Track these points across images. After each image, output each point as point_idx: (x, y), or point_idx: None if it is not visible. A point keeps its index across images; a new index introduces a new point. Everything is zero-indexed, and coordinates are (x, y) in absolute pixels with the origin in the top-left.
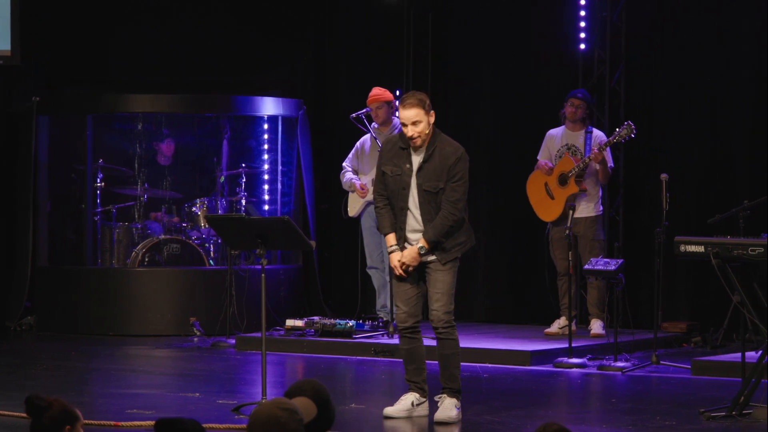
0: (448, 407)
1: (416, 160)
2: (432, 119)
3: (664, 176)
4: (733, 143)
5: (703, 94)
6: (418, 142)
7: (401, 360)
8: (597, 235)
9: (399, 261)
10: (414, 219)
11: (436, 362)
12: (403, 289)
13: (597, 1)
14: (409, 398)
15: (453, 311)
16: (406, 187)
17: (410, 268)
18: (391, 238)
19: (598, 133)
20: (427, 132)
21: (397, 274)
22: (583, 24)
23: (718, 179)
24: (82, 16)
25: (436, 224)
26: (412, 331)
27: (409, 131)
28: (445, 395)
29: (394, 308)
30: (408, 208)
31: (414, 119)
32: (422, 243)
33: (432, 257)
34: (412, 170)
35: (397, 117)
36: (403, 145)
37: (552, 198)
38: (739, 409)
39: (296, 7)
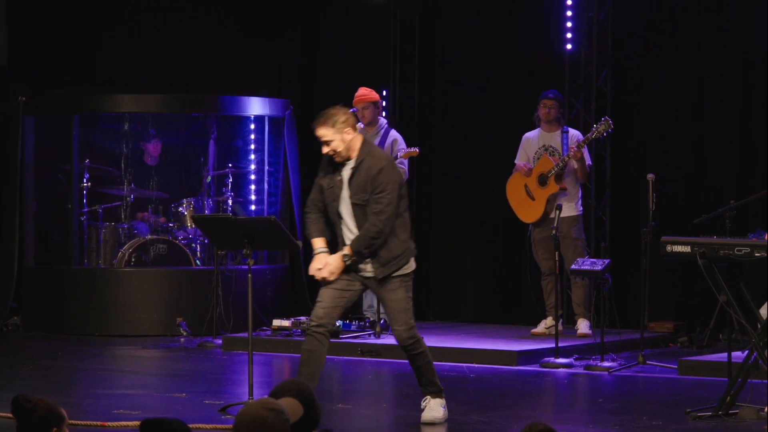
0: (434, 407)
1: (346, 172)
2: (348, 135)
3: (650, 176)
4: (720, 143)
5: (690, 94)
6: (337, 158)
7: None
8: (579, 234)
9: (324, 269)
10: (348, 230)
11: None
12: (333, 287)
13: (584, 2)
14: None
15: (414, 325)
16: (337, 199)
17: (332, 276)
18: (318, 242)
19: (574, 132)
20: (340, 149)
21: (318, 278)
22: (569, 24)
23: (705, 179)
24: (69, 17)
25: (361, 235)
26: (322, 332)
27: (323, 148)
28: (429, 396)
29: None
30: (342, 219)
31: (323, 138)
32: (347, 251)
33: (369, 271)
34: (342, 182)
35: (383, 117)
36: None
37: (533, 199)
38: (725, 409)
39: (284, 7)
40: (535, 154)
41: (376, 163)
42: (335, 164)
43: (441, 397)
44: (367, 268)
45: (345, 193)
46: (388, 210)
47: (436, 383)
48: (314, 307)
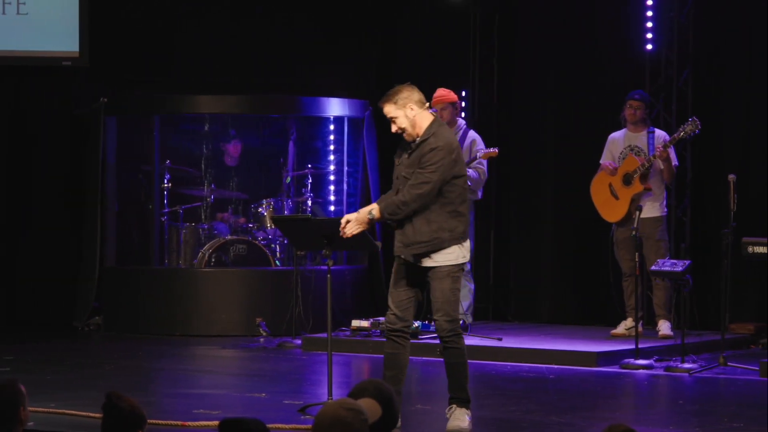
0: (459, 417)
1: (411, 151)
2: (411, 112)
3: (731, 177)
4: None
5: None
6: (406, 136)
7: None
8: (662, 235)
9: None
10: None
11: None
12: (397, 291)
13: (664, 1)
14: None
15: (458, 319)
16: (399, 177)
17: (352, 229)
18: (372, 207)
19: (660, 133)
20: (404, 126)
21: (341, 229)
22: (650, 24)
23: None
24: (149, 19)
25: (391, 199)
26: (399, 335)
27: (392, 127)
28: (454, 405)
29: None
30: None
31: (388, 116)
32: (374, 207)
33: (404, 251)
34: (406, 160)
35: (462, 118)
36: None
37: (617, 198)
38: None
39: (362, 8)
40: (621, 154)
41: (432, 141)
42: (406, 143)
43: (467, 407)
44: (401, 249)
45: (404, 170)
46: (423, 188)
47: (465, 391)
48: (387, 313)
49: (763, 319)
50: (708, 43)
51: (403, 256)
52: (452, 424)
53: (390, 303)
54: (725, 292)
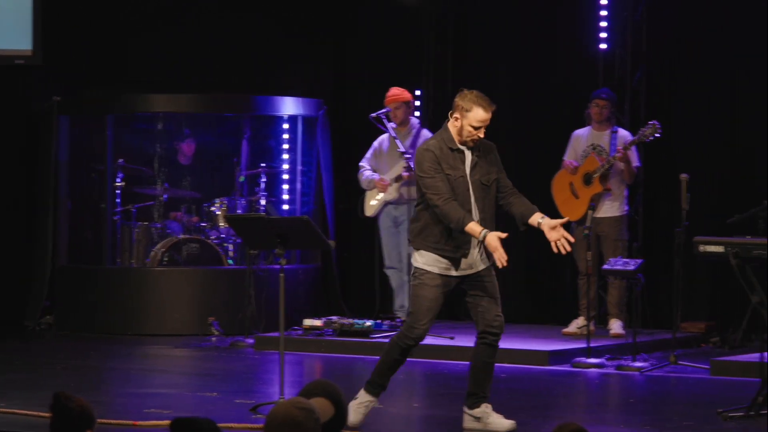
0: (499, 417)
1: (467, 159)
2: None
3: (684, 176)
4: (754, 143)
5: (724, 94)
6: (473, 142)
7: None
8: (621, 235)
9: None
10: (476, 213)
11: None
12: (431, 298)
13: (618, 1)
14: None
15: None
16: (468, 188)
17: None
18: (476, 225)
19: (623, 133)
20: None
21: (501, 264)
22: (604, 23)
23: (739, 179)
24: (103, 17)
25: (528, 203)
26: (412, 346)
27: (481, 133)
28: (489, 405)
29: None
30: (471, 209)
31: (487, 123)
32: (540, 215)
33: (476, 265)
34: (466, 170)
35: (416, 117)
36: (452, 146)
37: (576, 197)
38: (757, 409)
39: (317, 7)
40: (583, 152)
41: (486, 142)
42: (450, 152)
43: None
44: (477, 262)
45: (470, 179)
46: None
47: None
48: (415, 325)
49: (714, 318)
50: (661, 42)
51: (486, 265)
52: (501, 424)
53: (420, 315)
54: (677, 291)
